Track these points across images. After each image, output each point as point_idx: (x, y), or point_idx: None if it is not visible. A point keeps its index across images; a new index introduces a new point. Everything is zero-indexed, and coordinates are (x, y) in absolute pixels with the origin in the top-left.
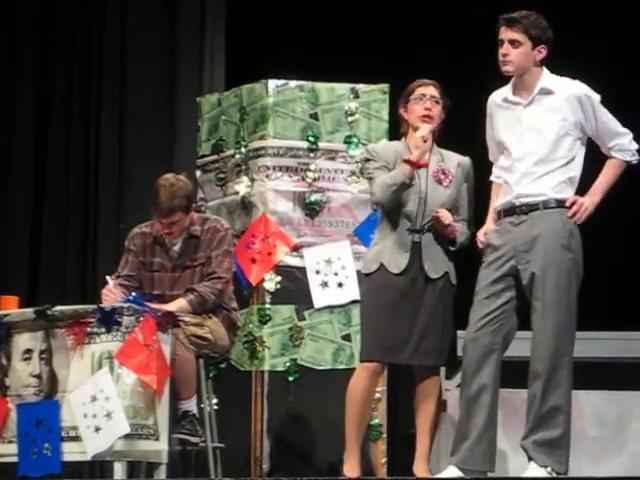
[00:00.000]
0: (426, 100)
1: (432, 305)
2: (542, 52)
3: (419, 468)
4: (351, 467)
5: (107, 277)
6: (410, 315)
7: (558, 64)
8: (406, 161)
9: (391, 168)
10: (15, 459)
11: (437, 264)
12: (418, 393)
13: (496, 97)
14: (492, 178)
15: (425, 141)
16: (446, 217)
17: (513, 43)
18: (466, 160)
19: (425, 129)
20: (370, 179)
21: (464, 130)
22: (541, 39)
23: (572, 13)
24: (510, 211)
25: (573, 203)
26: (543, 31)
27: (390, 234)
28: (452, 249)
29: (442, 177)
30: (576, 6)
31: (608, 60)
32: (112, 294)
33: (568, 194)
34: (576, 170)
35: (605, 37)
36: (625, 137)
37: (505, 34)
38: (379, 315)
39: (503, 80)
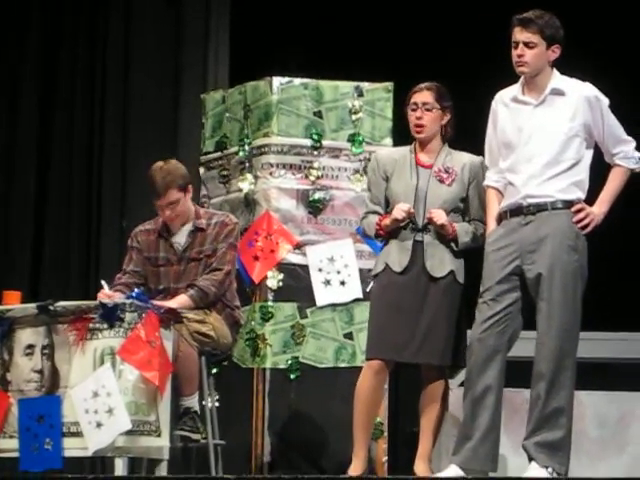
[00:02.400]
0: (417, 109)
1: (436, 303)
2: (556, 52)
3: (420, 467)
4: (355, 466)
5: (102, 282)
6: (413, 313)
7: (564, 64)
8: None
9: (389, 177)
10: (16, 454)
11: (441, 263)
12: (424, 394)
13: (504, 96)
14: (489, 183)
15: (400, 220)
16: (439, 217)
17: (528, 44)
18: (475, 160)
19: (399, 211)
20: (368, 190)
21: (470, 129)
22: (555, 39)
23: (576, 12)
24: (517, 211)
25: (580, 210)
26: (557, 30)
27: (395, 234)
28: (456, 249)
29: (444, 176)
30: (580, 5)
31: (613, 61)
32: (111, 297)
33: (576, 196)
34: (583, 173)
35: (610, 37)
36: (629, 144)
37: (520, 35)
38: (382, 314)
39: (510, 78)
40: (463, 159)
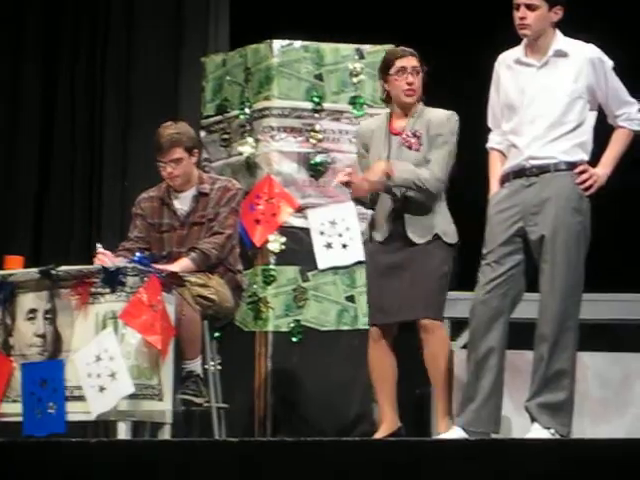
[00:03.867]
0: (407, 74)
1: (417, 263)
2: (558, 13)
3: (441, 426)
4: (382, 429)
5: (97, 244)
6: (397, 278)
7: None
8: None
9: (368, 149)
10: (20, 418)
11: (422, 229)
12: (425, 355)
13: (507, 58)
14: (492, 145)
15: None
16: (374, 174)
17: (530, 6)
18: (441, 114)
19: (376, 172)
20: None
21: (474, 91)
22: (557, 0)
23: None
24: (520, 173)
25: (583, 171)
26: None
27: (378, 203)
28: (387, 181)
29: (412, 141)
30: None
31: (621, 27)
32: (105, 258)
33: (579, 157)
34: (587, 135)
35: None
36: (633, 106)
37: None
38: (370, 281)
39: (510, 40)
40: (429, 116)
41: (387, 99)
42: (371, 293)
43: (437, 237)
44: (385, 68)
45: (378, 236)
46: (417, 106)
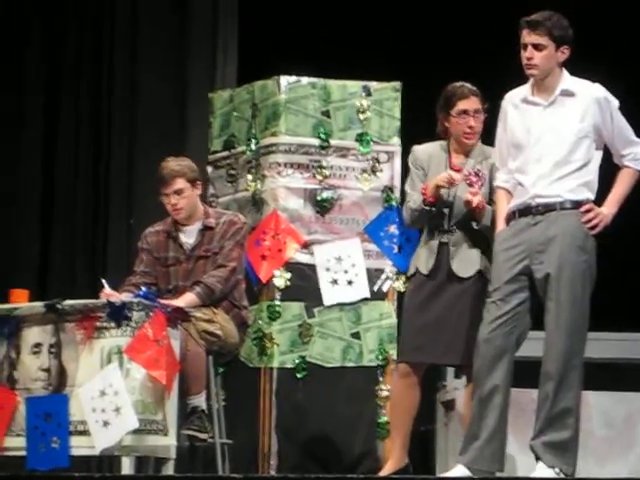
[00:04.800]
0: (469, 118)
1: (463, 304)
2: (565, 53)
3: None
4: (388, 466)
5: (102, 280)
6: (441, 315)
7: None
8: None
9: (425, 172)
10: (23, 452)
11: (467, 263)
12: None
13: (513, 97)
14: (498, 183)
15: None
16: (475, 198)
17: (537, 46)
18: None
19: (443, 177)
20: (409, 182)
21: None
22: (564, 40)
23: (585, 11)
24: (526, 211)
25: (589, 210)
26: (565, 31)
27: (425, 237)
28: (476, 227)
29: (474, 180)
30: (590, 4)
31: (623, 62)
32: (110, 296)
33: (585, 196)
34: (592, 174)
35: (620, 37)
36: (638, 146)
37: (528, 38)
38: (410, 316)
39: (520, 78)
40: (492, 159)
41: (443, 134)
42: (409, 329)
43: (479, 272)
44: (446, 106)
45: (423, 269)
46: (477, 145)
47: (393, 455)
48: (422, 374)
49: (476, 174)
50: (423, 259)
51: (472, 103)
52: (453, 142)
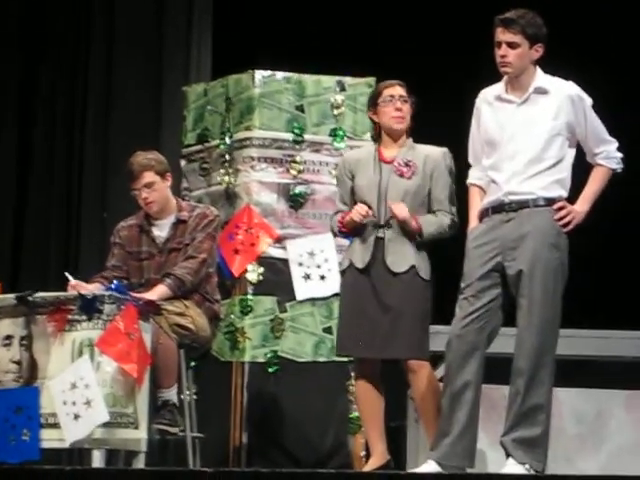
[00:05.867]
0: (395, 101)
1: (398, 298)
2: (539, 51)
3: None
4: (371, 461)
5: (66, 273)
6: (376, 309)
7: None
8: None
9: (354, 176)
10: None
11: (402, 258)
12: (412, 390)
13: (487, 94)
14: (472, 180)
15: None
16: (400, 211)
17: (511, 44)
18: (437, 151)
19: (356, 214)
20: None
21: (450, 126)
22: (538, 38)
23: (559, 9)
24: (499, 208)
25: (562, 208)
26: (539, 29)
27: (359, 231)
28: (419, 239)
29: (404, 170)
30: (564, 2)
31: (597, 60)
32: (79, 288)
33: (558, 194)
34: (565, 172)
35: (594, 35)
36: (611, 145)
37: (502, 36)
38: (347, 311)
39: (492, 75)
40: (425, 151)
41: (377, 134)
42: (348, 324)
43: (413, 268)
44: (373, 99)
45: (358, 263)
46: (406, 138)
47: (375, 450)
48: (377, 369)
49: (406, 164)
50: (359, 253)
51: (397, 90)
52: (384, 136)
